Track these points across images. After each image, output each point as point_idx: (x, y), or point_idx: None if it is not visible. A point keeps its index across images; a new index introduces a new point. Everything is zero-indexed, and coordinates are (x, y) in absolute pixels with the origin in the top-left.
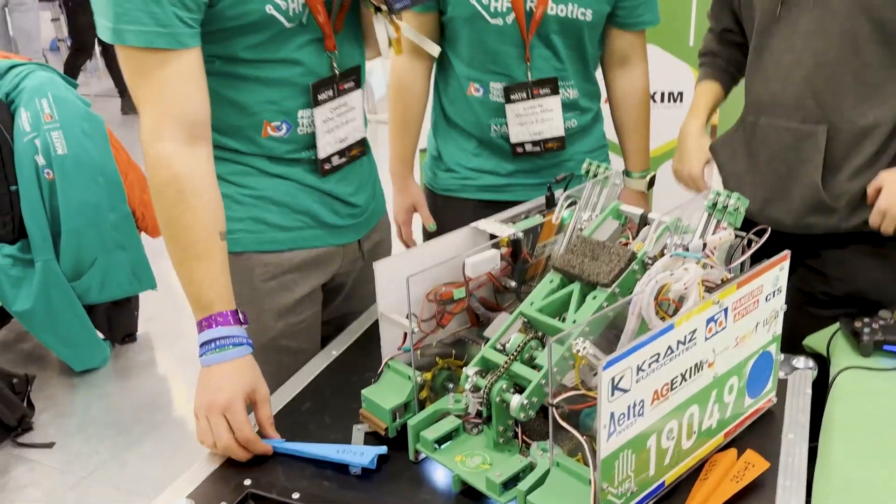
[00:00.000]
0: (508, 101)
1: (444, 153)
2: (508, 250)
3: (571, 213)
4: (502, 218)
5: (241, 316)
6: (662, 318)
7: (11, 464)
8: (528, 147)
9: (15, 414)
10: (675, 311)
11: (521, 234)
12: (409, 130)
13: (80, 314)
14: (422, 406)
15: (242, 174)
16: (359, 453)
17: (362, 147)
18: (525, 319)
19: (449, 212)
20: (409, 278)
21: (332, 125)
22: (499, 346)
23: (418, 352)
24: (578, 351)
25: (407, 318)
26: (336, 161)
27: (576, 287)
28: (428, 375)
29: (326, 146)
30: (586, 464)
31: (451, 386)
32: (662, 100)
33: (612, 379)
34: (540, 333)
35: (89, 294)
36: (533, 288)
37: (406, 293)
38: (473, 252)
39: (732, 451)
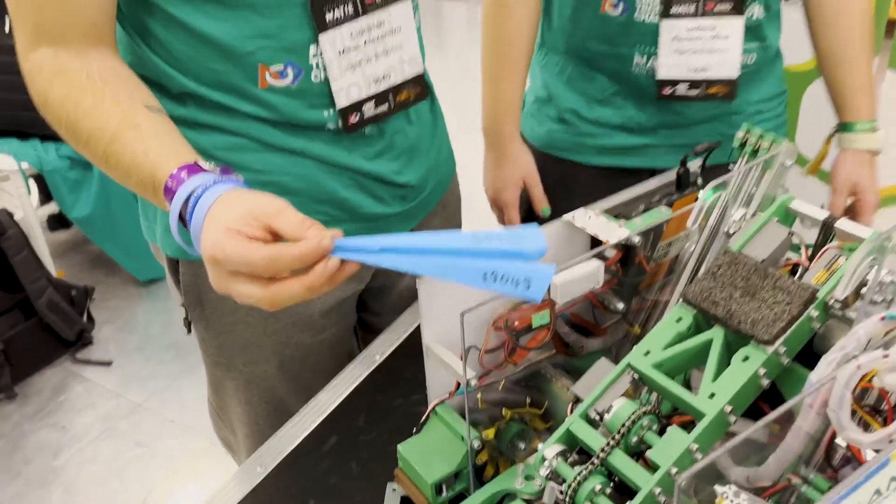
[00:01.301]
0: (666, 14)
1: (556, 95)
2: (617, 255)
3: (713, 201)
4: (610, 206)
5: (196, 163)
6: (862, 422)
7: (69, 382)
8: (681, 89)
9: (73, 328)
10: (880, 405)
11: (637, 239)
12: (514, 68)
13: None
14: (480, 476)
15: (239, 150)
16: (514, 278)
17: (419, 88)
18: (635, 375)
19: (554, 178)
20: (465, 315)
21: (358, 57)
22: (593, 415)
23: (478, 397)
24: None
25: (461, 358)
26: (370, 111)
27: (717, 335)
28: (490, 433)
29: (350, 89)
30: None
31: (522, 446)
32: None
33: None
34: (656, 402)
35: None
36: (648, 309)
37: (460, 327)
38: (565, 266)
39: None
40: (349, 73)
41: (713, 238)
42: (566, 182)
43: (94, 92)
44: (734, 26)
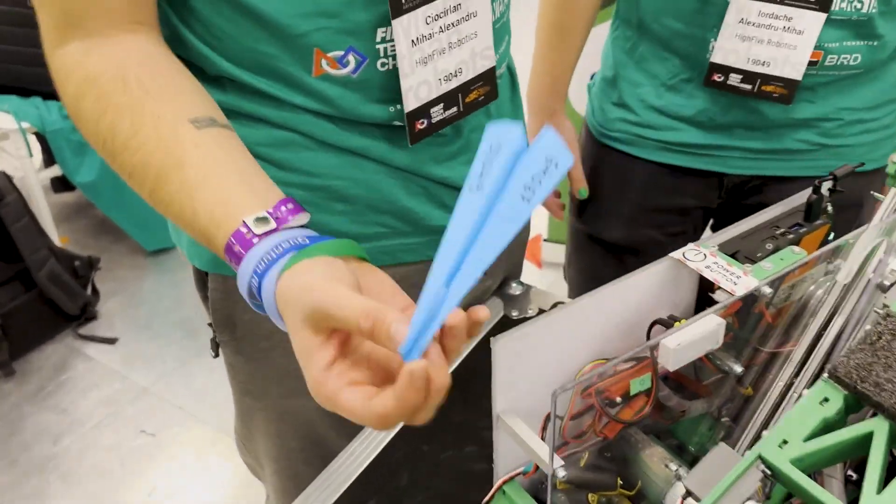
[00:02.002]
0: None
1: (623, 76)
2: (736, 305)
3: (869, 247)
4: (725, 239)
5: (250, 227)
6: None
7: (71, 360)
8: (734, 79)
9: (76, 302)
10: None
11: (768, 290)
12: (569, 38)
13: None
14: None
15: (286, 146)
16: (542, 171)
17: (489, 86)
18: (766, 471)
19: (610, 171)
20: (558, 395)
21: (432, 48)
22: None
23: (554, 477)
24: None
25: (541, 434)
26: (437, 115)
27: (880, 428)
28: None
29: (419, 88)
30: None
31: None
32: None
33: None
34: (768, 489)
35: None
36: (761, 364)
37: (550, 402)
38: (680, 328)
39: None
40: (420, 68)
41: (852, 286)
42: (623, 177)
43: (133, 110)
44: (813, 22)
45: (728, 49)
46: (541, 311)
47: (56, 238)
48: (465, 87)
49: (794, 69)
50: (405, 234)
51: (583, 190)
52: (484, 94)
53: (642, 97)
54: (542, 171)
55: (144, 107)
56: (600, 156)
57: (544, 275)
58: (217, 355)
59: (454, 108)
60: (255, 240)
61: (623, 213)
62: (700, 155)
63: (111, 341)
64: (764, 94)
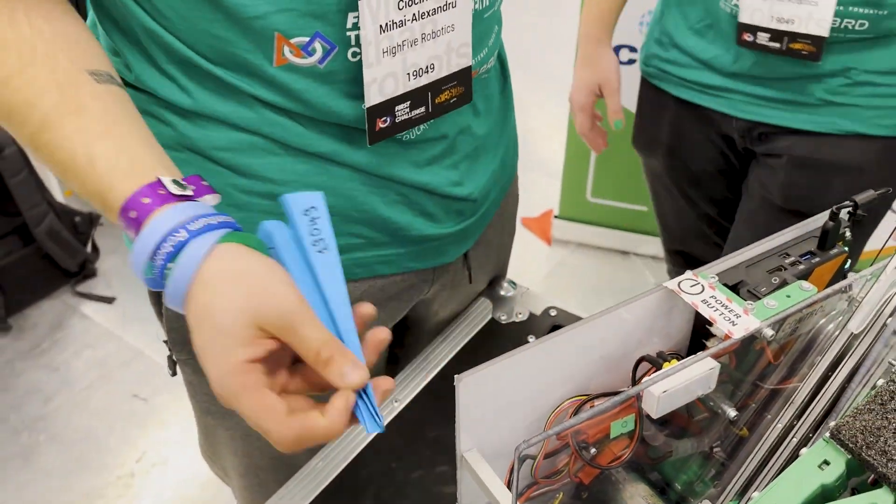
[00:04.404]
0: None
1: (665, 13)
2: (734, 345)
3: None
4: (727, 268)
5: (160, 182)
6: None
7: (67, 317)
8: (762, 38)
9: (75, 258)
10: None
11: (769, 332)
12: None
13: None
14: None
15: (248, 151)
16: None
17: (463, 87)
18: None
19: (650, 105)
20: (522, 450)
21: (402, 37)
22: None
23: None
24: None
25: (506, 482)
26: (402, 114)
27: (884, 501)
28: None
29: (384, 82)
30: None
31: None
32: None
33: None
34: None
35: None
36: (759, 402)
37: (520, 444)
38: (668, 370)
39: None
40: (388, 59)
41: (866, 330)
42: (659, 111)
43: (20, 47)
44: None
45: (753, 8)
46: (531, 316)
47: (60, 191)
48: (435, 86)
49: (818, 26)
50: (382, 245)
51: (618, 122)
52: (457, 95)
53: (672, 35)
54: (311, 222)
55: (36, 46)
56: (644, 89)
57: (553, 252)
58: (175, 374)
59: (422, 109)
60: (172, 201)
61: (662, 141)
62: (712, 95)
63: (109, 300)
64: (793, 52)
